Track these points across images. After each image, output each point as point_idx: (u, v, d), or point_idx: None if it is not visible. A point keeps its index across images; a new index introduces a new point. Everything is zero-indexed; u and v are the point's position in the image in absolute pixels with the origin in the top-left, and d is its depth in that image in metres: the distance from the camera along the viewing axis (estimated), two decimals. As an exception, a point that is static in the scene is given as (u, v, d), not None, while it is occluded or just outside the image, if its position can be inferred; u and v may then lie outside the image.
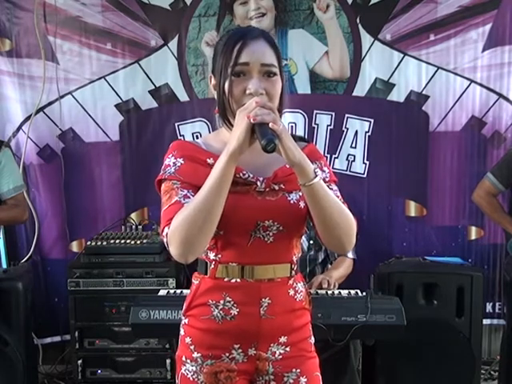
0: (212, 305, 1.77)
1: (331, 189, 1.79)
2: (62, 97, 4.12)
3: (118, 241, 3.79)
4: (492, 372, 4.16)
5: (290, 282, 1.82)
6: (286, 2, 4.06)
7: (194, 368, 1.79)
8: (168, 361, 3.68)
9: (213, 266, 1.77)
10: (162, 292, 3.17)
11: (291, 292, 1.82)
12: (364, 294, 2.97)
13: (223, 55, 1.72)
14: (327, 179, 1.82)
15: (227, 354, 1.78)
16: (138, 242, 3.76)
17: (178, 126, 4.17)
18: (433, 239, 4.21)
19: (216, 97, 1.79)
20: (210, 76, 1.82)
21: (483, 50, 4.06)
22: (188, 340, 1.81)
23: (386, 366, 3.45)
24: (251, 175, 1.73)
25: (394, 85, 4.10)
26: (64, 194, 4.18)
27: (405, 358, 3.40)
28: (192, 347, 1.80)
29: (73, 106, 4.16)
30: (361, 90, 4.11)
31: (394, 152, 4.15)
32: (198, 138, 4.12)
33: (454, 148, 4.17)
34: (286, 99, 1.81)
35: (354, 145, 4.14)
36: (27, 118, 4.13)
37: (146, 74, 4.14)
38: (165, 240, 1.67)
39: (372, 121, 4.10)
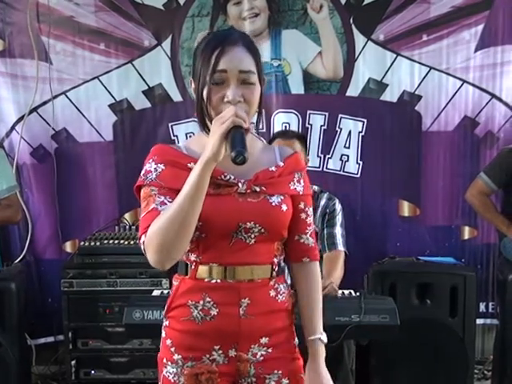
0: (191, 305, 1.76)
1: (305, 211, 1.87)
2: (55, 97, 4.12)
3: (111, 241, 3.78)
4: (485, 371, 4.17)
5: (271, 283, 1.82)
6: (280, 2, 4.07)
7: (174, 370, 1.79)
8: (162, 361, 3.68)
9: (193, 266, 1.77)
10: (156, 292, 3.17)
11: (272, 293, 1.82)
12: (358, 294, 2.97)
13: (202, 61, 1.71)
14: (301, 193, 1.85)
15: (207, 356, 1.77)
16: (132, 242, 3.75)
17: (172, 126, 4.17)
18: (426, 239, 4.22)
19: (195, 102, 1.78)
20: (191, 80, 1.80)
21: (476, 51, 4.08)
22: (169, 342, 1.81)
23: (380, 365, 3.46)
24: (232, 177, 1.73)
25: (387, 85, 4.11)
26: (57, 195, 4.17)
27: (398, 358, 3.41)
28: (172, 349, 1.80)
29: (66, 106, 4.16)
30: (354, 90, 4.12)
31: (387, 152, 4.15)
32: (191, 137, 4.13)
33: (446, 148, 4.18)
34: (263, 102, 1.80)
35: (347, 145, 4.15)
36: (20, 118, 4.12)
37: (139, 74, 4.14)
38: (142, 247, 1.67)
39: (365, 121, 4.11)
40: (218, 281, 1.75)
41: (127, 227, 4.01)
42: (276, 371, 1.81)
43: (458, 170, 4.17)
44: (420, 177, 4.17)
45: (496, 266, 4.09)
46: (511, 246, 3.73)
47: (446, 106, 4.14)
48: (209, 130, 1.70)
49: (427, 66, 4.11)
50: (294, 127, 4.08)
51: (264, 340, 1.80)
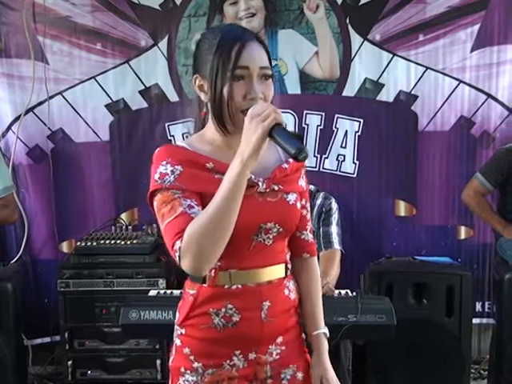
0: (213, 313, 1.72)
1: (306, 207, 1.89)
2: (51, 97, 4.11)
3: (108, 241, 3.78)
4: (482, 371, 4.16)
5: (285, 281, 1.81)
6: (276, 2, 4.07)
7: (194, 378, 1.75)
8: (158, 361, 3.68)
9: (213, 273, 1.71)
10: (153, 292, 3.17)
11: (286, 292, 1.81)
12: (354, 293, 2.96)
13: (218, 56, 1.65)
14: (304, 188, 1.87)
15: (228, 361, 1.75)
16: (129, 242, 3.76)
17: (168, 126, 4.17)
18: (422, 239, 4.23)
19: (206, 99, 1.72)
20: (196, 77, 1.74)
21: (472, 51, 4.08)
22: (187, 350, 1.76)
23: (377, 365, 3.46)
24: (253, 176, 1.67)
25: (383, 85, 4.11)
26: (54, 195, 4.17)
27: (395, 358, 3.41)
28: (192, 357, 1.75)
29: (63, 106, 4.15)
30: (350, 90, 4.13)
31: (383, 152, 4.16)
32: (188, 138, 4.12)
33: (443, 148, 4.18)
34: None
35: (343, 145, 4.15)
36: (16, 118, 4.11)
37: (136, 74, 4.13)
38: (177, 254, 1.56)
39: (361, 121, 4.11)
40: (239, 286, 1.72)
41: (124, 227, 4.02)
42: (291, 365, 1.82)
43: (454, 170, 4.17)
44: (416, 176, 4.17)
45: (492, 266, 4.11)
46: (507, 246, 3.74)
47: (442, 106, 4.14)
48: (225, 128, 1.69)
49: (423, 66, 4.11)
50: (291, 127, 4.08)
51: (279, 339, 1.80)
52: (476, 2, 4.03)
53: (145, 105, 4.18)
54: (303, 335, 1.90)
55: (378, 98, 4.13)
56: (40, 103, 4.13)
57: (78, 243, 3.81)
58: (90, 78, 4.13)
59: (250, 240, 1.71)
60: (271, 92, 1.70)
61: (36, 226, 4.23)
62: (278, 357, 1.80)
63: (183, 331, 1.79)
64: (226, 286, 1.72)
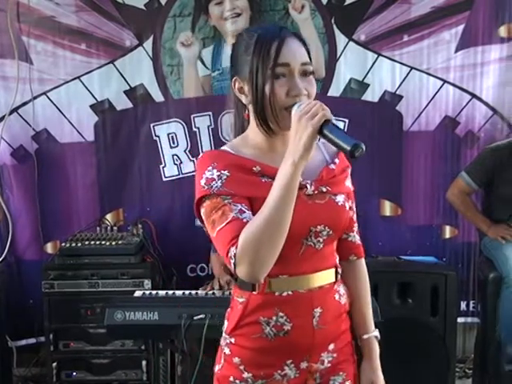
0: (263, 322, 1.68)
1: (352, 208, 1.83)
2: (36, 97, 4.09)
3: (93, 242, 3.77)
4: (467, 370, 4.19)
5: (335, 286, 1.77)
6: (261, 2, 4.07)
7: None
8: (144, 362, 3.67)
9: (262, 280, 1.63)
10: (138, 293, 3.16)
11: (337, 297, 1.76)
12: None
13: (257, 56, 1.61)
14: (351, 189, 1.83)
15: (279, 371, 1.70)
16: (114, 243, 3.75)
17: (154, 126, 4.16)
18: (408, 238, 4.24)
19: (248, 100, 1.68)
20: (235, 80, 1.70)
21: (456, 51, 4.10)
22: (237, 360, 1.72)
23: (361, 364, 3.46)
24: (301, 178, 1.58)
25: (368, 85, 4.12)
26: (38, 195, 4.15)
27: (380, 357, 3.41)
28: (242, 367, 1.71)
29: (47, 107, 4.13)
30: (336, 90, 4.13)
31: (368, 152, 4.10)
32: (173, 138, 4.13)
33: (427, 147, 4.20)
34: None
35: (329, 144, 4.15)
36: (1, 119, 4.09)
37: (120, 74, 4.12)
38: (232, 261, 1.51)
39: (347, 121, 4.11)
40: (290, 293, 1.68)
41: (109, 228, 4.00)
42: (341, 373, 1.79)
43: (439, 170, 4.19)
44: (401, 176, 4.19)
45: (476, 265, 4.12)
46: (491, 246, 3.76)
47: (426, 106, 4.16)
48: (269, 129, 1.65)
49: (408, 66, 4.13)
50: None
51: (331, 346, 1.75)
52: (460, 2, 4.05)
53: (130, 105, 4.17)
54: (352, 341, 1.87)
55: (363, 98, 4.14)
56: (24, 103, 4.11)
57: (63, 244, 3.79)
58: (75, 79, 4.11)
59: (300, 244, 1.67)
60: (314, 88, 1.66)
61: (20, 227, 4.21)
62: (329, 365, 1.76)
63: (233, 340, 1.74)
64: (277, 293, 1.68)
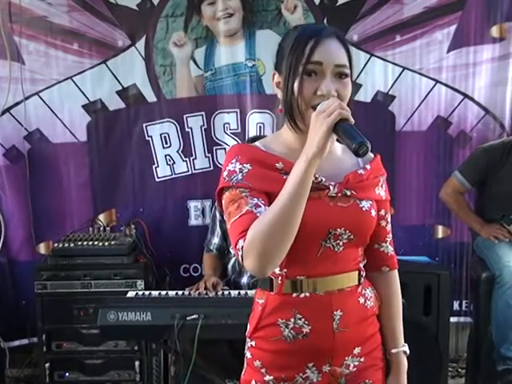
0: (282, 324, 1.67)
1: (385, 218, 1.82)
2: (28, 97, 4.08)
3: (85, 242, 3.76)
4: (459, 369, 4.20)
5: (359, 289, 1.74)
6: (254, 2, 4.07)
7: None
8: (137, 363, 3.66)
9: (279, 281, 1.67)
10: (131, 294, 3.17)
11: (361, 300, 1.74)
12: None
13: (293, 51, 1.63)
14: (383, 198, 1.80)
15: (301, 374, 1.68)
16: (106, 243, 3.74)
17: (146, 126, 4.16)
18: (400, 238, 4.24)
19: (281, 95, 1.70)
20: (274, 73, 1.73)
21: (448, 51, 4.11)
22: (258, 363, 1.71)
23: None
24: (324, 179, 1.63)
25: (360, 85, 4.12)
26: (30, 196, 4.14)
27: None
28: (263, 370, 1.70)
29: (39, 107, 4.12)
30: (328, 90, 4.12)
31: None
32: (166, 138, 4.12)
33: (420, 147, 4.21)
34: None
35: (322, 145, 4.15)
36: (-7, 119, 4.08)
37: (113, 74, 4.11)
38: (240, 253, 1.52)
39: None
40: (307, 294, 1.66)
41: (101, 228, 3.99)
42: (367, 380, 1.75)
43: (432, 170, 4.20)
44: (394, 176, 4.18)
45: (469, 265, 4.13)
46: (484, 245, 3.77)
47: (419, 106, 4.17)
48: (296, 126, 1.65)
49: (400, 66, 4.14)
50: (269, 127, 4.08)
51: (357, 350, 1.73)
52: (452, 2, 4.06)
53: (122, 105, 4.16)
54: (381, 345, 1.84)
55: (355, 98, 4.12)
56: (16, 104, 4.09)
57: (56, 244, 3.78)
58: (67, 79, 4.11)
59: (317, 245, 1.65)
60: (347, 91, 1.65)
61: (13, 228, 4.20)
62: (355, 369, 1.73)
63: (253, 343, 1.74)
64: (294, 295, 1.67)
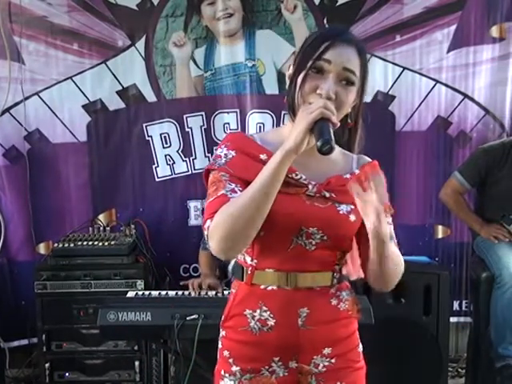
0: (248, 315, 1.69)
1: (387, 221, 1.70)
2: (28, 97, 4.08)
3: (85, 242, 3.76)
4: (459, 369, 4.20)
5: (332, 290, 1.73)
6: (254, 2, 4.07)
7: (232, 382, 1.72)
8: (137, 363, 3.66)
9: (249, 271, 1.69)
10: (131, 294, 3.16)
11: (334, 301, 1.73)
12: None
13: (309, 47, 1.65)
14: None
15: (267, 367, 1.69)
16: (106, 243, 3.74)
17: (146, 126, 4.16)
18: (400, 238, 4.23)
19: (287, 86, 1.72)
20: (289, 65, 1.73)
21: (448, 51, 4.11)
22: (226, 353, 1.73)
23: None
24: (304, 177, 1.65)
25: (360, 85, 4.12)
26: (30, 196, 4.13)
27: (373, 357, 3.40)
28: (230, 360, 1.72)
29: (39, 107, 4.12)
30: (328, 90, 4.13)
31: (361, 152, 4.15)
32: (166, 138, 4.12)
33: (420, 147, 4.21)
34: (353, 116, 1.80)
35: (322, 145, 4.15)
36: (-8, 119, 4.08)
37: (113, 74, 4.11)
38: (205, 233, 1.57)
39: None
40: (274, 288, 1.67)
41: (101, 228, 3.99)
42: (339, 382, 1.73)
43: (432, 170, 4.20)
44: (394, 176, 4.18)
45: (469, 265, 4.13)
46: (484, 245, 3.77)
47: (419, 106, 4.17)
48: (295, 118, 1.64)
49: (401, 66, 4.14)
50: (269, 127, 4.09)
51: (327, 350, 1.71)
52: (452, 2, 4.06)
53: (122, 105, 4.16)
54: (360, 347, 1.83)
55: (355, 99, 4.14)
56: (16, 104, 4.09)
57: (56, 244, 3.78)
58: (67, 79, 4.11)
59: (289, 241, 1.65)
60: (348, 98, 1.65)
61: (13, 228, 4.20)
62: (324, 369, 1.71)
63: (224, 333, 1.77)
64: (262, 286, 1.68)
